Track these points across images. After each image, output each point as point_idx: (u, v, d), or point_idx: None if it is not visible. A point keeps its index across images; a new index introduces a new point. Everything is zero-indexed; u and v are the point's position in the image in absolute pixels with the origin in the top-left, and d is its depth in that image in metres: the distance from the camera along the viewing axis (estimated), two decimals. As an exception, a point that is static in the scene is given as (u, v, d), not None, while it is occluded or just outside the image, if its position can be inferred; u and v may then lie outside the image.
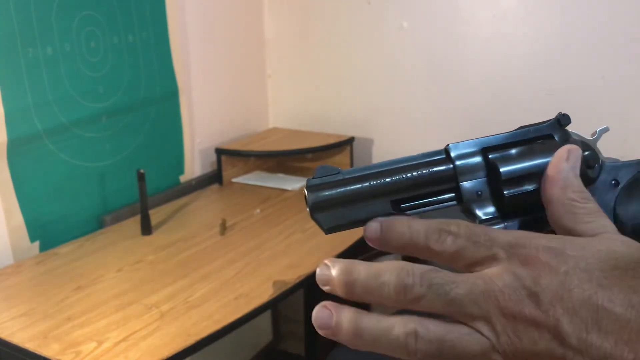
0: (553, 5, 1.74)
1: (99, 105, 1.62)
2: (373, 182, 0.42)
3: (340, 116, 2.17)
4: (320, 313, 0.32)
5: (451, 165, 0.42)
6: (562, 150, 0.38)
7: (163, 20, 1.78)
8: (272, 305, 1.40)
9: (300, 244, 1.50)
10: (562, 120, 0.43)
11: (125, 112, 1.70)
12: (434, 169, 0.42)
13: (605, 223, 0.35)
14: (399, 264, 0.32)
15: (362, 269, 0.32)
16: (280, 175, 2.06)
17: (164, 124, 1.84)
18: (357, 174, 0.43)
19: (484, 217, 0.40)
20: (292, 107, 2.28)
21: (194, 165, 1.99)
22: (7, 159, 1.40)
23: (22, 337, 1.12)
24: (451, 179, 0.42)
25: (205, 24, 1.97)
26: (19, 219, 1.45)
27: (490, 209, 0.41)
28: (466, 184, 0.42)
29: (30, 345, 1.10)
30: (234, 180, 2.01)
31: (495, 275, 0.31)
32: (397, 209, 0.42)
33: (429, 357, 0.31)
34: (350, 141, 2.07)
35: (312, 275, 1.36)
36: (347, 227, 0.42)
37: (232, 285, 1.30)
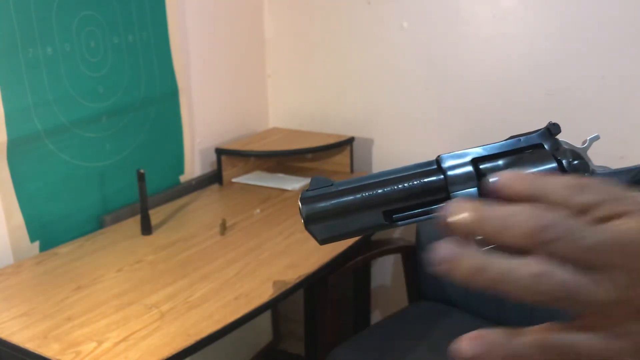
0: (553, 5, 1.74)
1: (99, 105, 1.62)
2: (365, 194, 0.43)
3: (340, 116, 2.17)
4: (443, 246, 0.31)
5: (442, 176, 0.42)
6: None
7: (163, 20, 1.78)
8: (272, 305, 1.40)
9: (300, 244, 1.50)
10: (552, 129, 0.43)
11: (125, 112, 1.70)
12: (426, 180, 0.42)
13: None
14: (534, 206, 0.31)
15: (496, 206, 0.31)
16: (280, 175, 2.06)
17: (164, 124, 1.84)
18: (350, 186, 0.44)
19: None
20: (292, 107, 2.28)
21: (194, 165, 1.99)
22: (7, 159, 1.40)
23: (22, 337, 1.12)
24: (442, 190, 0.42)
25: (205, 24, 1.97)
26: (19, 219, 1.45)
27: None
28: (457, 194, 0.42)
29: (30, 345, 1.10)
30: (234, 180, 2.01)
31: (632, 228, 0.30)
32: (389, 220, 0.42)
33: (552, 301, 0.30)
34: (350, 141, 2.07)
35: (312, 275, 1.37)
36: (340, 238, 0.43)
37: (232, 285, 1.30)
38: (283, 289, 1.29)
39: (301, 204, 0.44)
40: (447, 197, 0.42)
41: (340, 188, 0.44)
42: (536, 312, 1.51)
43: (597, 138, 0.43)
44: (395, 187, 0.42)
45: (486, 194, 0.33)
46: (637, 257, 0.30)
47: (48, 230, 1.52)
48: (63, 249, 1.51)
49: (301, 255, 1.44)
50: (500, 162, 0.42)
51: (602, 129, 1.74)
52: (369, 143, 2.14)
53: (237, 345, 2.11)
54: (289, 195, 1.88)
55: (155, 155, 1.82)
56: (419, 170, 0.43)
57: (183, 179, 1.93)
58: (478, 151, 0.43)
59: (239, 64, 2.16)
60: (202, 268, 1.38)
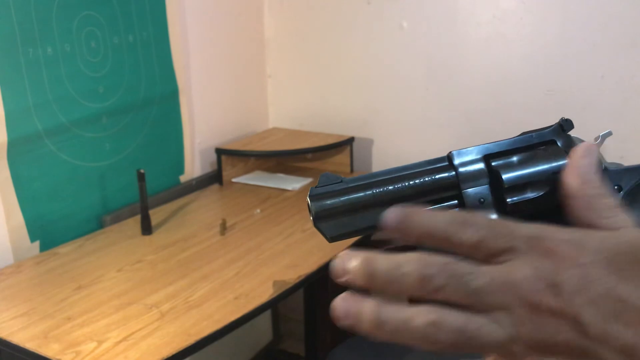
0: (553, 6, 1.74)
1: (99, 105, 1.62)
2: (376, 190, 0.42)
3: (340, 116, 2.17)
4: (341, 303, 0.32)
5: (454, 173, 0.42)
6: (581, 147, 0.38)
7: (163, 20, 1.78)
8: (272, 305, 1.40)
9: (300, 244, 1.50)
10: (564, 125, 0.43)
11: (125, 112, 1.70)
12: (437, 177, 0.42)
13: (625, 217, 0.35)
14: (419, 255, 0.32)
15: (382, 259, 0.33)
16: (280, 175, 2.06)
17: (164, 124, 1.84)
18: (360, 182, 0.43)
19: None
20: (292, 107, 2.28)
21: (194, 165, 1.99)
22: (7, 159, 1.40)
23: (22, 337, 1.12)
24: (454, 186, 0.42)
25: (205, 24, 1.97)
26: (19, 218, 1.45)
27: (493, 216, 0.41)
28: (469, 191, 0.42)
29: (30, 345, 1.10)
30: (234, 180, 2.01)
31: (515, 266, 0.31)
32: None
33: (450, 347, 0.31)
34: (350, 141, 2.07)
35: (312, 275, 1.37)
36: (350, 235, 0.42)
37: (232, 285, 1.30)
38: (283, 289, 1.29)
39: (310, 201, 0.43)
40: (459, 194, 0.42)
41: (350, 185, 0.43)
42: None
43: (609, 134, 0.43)
44: (406, 184, 0.42)
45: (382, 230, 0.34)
46: (523, 295, 0.31)
47: (48, 230, 1.52)
48: (63, 249, 1.51)
49: (301, 255, 1.44)
50: (513, 159, 0.42)
51: (601, 129, 1.74)
52: (369, 143, 2.14)
53: (237, 345, 2.11)
54: (289, 195, 1.88)
55: (155, 155, 1.82)
56: (430, 167, 0.42)
57: (183, 179, 1.93)
58: (490, 147, 0.43)
59: (239, 64, 2.16)
60: (202, 268, 1.38)
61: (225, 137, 2.11)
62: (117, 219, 1.67)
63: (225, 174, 1.99)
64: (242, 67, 2.18)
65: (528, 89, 1.82)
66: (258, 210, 1.73)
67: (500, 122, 1.89)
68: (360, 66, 2.09)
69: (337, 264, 0.34)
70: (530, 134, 0.43)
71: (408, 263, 0.32)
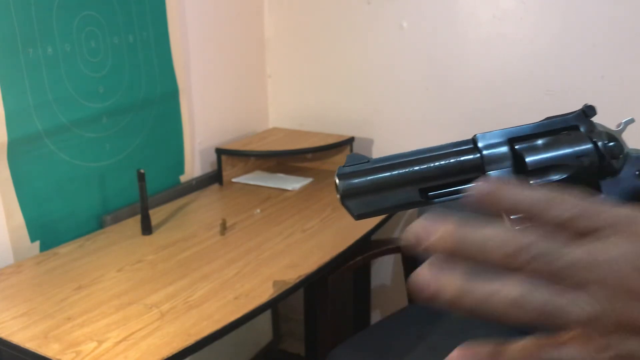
0: (552, 6, 1.74)
1: (99, 105, 1.62)
2: (402, 170, 0.42)
3: (340, 116, 2.17)
4: (426, 272, 0.32)
5: (478, 155, 0.43)
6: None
7: (163, 20, 1.78)
8: (272, 305, 1.40)
9: (300, 244, 1.50)
10: (587, 111, 0.43)
11: (125, 112, 1.70)
12: (462, 158, 0.43)
13: None
14: (509, 228, 0.32)
15: (475, 226, 0.32)
16: (280, 175, 2.06)
17: (164, 124, 1.84)
18: (387, 163, 0.43)
19: None
20: (292, 107, 2.28)
21: (194, 165, 1.99)
22: (7, 159, 1.40)
23: (22, 337, 1.12)
24: (478, 168, 0.42)
25: (205, 24, 1.97)
26: (19, 219, 1.45)
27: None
28: (493, 173, 0.42)
29: (30, 345, 1.10)
30: (234, 180, 2.01)
31: (604, 247, 0.31)
32: (424, 197, 0.42)
33: (536, 321, 0.31)
34: (350, 141, 2.07)
35: (312, 275, 1.37)
36: (376, 213, 0.43)
37: (232, 285, 1.30)
38: (283, 288, 1.29)
39: (338, 179, 0.43)
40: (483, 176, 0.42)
41: (377, 165, 0.43)
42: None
43: (631, 121, 0.43)
44: (432, 165, 0.42)
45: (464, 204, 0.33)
46: (611, 274, 0.31)
47: (48, 230, 1.52)
48: (63, 249, 1.51)
49: (301, 255, 1.44)
50: (536, 142, 0.42)
51: (602, 129, 1.75)
52: (369, 143, 2.14)
53: (237, 345, 2.11)
54: (289, 195, 1.88)
55: (155, 155, 1.82)
56: (455, 149, 0.43)
57: (183, 179, 1.93)
58: (514, 131, 0.43)
59: (239, 64, 2.16)
60: (202, 268, 1.38)
61: (225, 137, 2.11)
62: (117, 219, 1.67)
63: (225, 174, 1.99)
64: (242, 67, 2.18)
65: (528, 89, 1.82)
66: (258, 210, 1.73)
67: (500, 122, 1.88)
68: (360, 66, 2.09)
69: (421, 227, 0.33)
70: (553, 119, 0.43)
71: (499, 235, 0.31)
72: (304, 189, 1.93)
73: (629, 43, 1.67)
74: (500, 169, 0.42)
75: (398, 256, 1.97)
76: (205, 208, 1.81)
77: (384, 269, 2.20)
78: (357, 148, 2.10)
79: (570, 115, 0.43)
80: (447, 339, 1.64)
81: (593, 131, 0.42)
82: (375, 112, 2.10)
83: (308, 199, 1.83)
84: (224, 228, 1.57)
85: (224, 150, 1.98)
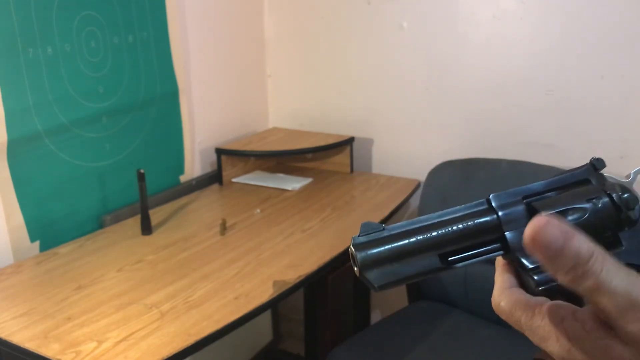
0: (553, 6, 1.74)
1: (99, 105, 1.62)
2: (420, 237, 0.42)
3: (340, 116, 2.17)
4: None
5: (495, 216, 0.42)
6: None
7: (163, 20, 1.78)
8: (272, 305, 1.40)
9: (300, 244, 1.50)
10: (596, 164, 0.43)
11: (125, 112, 1.70)
12: (479, 220, 0.42)
13: None
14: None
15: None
16: (280, 175, 2.06)
17: (164, 124, 1.84)
18: (403, 229, 0.42)
19: (531, 266, 0.40)
20: (292, 107, 2.28)
21: (194, 165, 1.99)
22: (7, 159, 1.40)
23: (22, 337, 1.12)
24: (497, 229, 0.42)
25: (205, 24, 1.97)
26: (19, 219, 1.45)
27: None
28: (511, 233, 0.42)
29: (30, 345, 1.10)
30: (234, 180, 2.01)
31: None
32: (445, 263, 0.41)
33: None
34: (350, 141, 2.07)
35: (312, 275, 1.37)
36: (398, 283, 0.42)
37: (232, 285, 1.30)
38: (283, 289, 1.29)
39: (354, 250, 0.42)
40: (502, 237, 0.42)
41: (394, 232, 0.42)
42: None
43: None
44: (450, 229, 0.42)
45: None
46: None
47: (48, 230, 1.52)
48: (63, 249, 1.51)
49: (301, 255, 1.44)
50: (553, 198, 0.42)
51: (601, 128, 1.75)
52: (369, 143, 2.14)
53: (237, 345, 2.11)
54: (289, 195, 1.88)
55: (155, 155, 1.82)
56: (471, 211, 0.43)
57: (183, 179, 1.93)
58: (526, 189, 0.43)
59: (239, 64, 2.16)
60: (202, 268, 1.38)
61: (225, 137, 2.11)
62: (117, 219, 1.67)
63: (225, 174, 1.99)
64: (242, 67, 2.18)
65: (528, 89, 1.82)
66: (258, 210, 1.73)
67: (500, 122, 1.89)
68: (360, 66, 2.09)
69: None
70: (564, 175, 0.44)
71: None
72: (303, 189, 1.93)
73: (629, 43, 1.67)
74: (519, 227, 0.42)
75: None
76: (205, 208, 1.81)
77: (384, 269, 2.19)
78: (357, 148, 2.10)
79: (580, 170, 0.44)
80: (447, 339, 1.64)
81: (605, 184, 0.42)
82: (375, 112, 2.10)
83: (308, 199, 1.83)
84: (224, 228, 1.57)
85: (224, 150, 1.98)
